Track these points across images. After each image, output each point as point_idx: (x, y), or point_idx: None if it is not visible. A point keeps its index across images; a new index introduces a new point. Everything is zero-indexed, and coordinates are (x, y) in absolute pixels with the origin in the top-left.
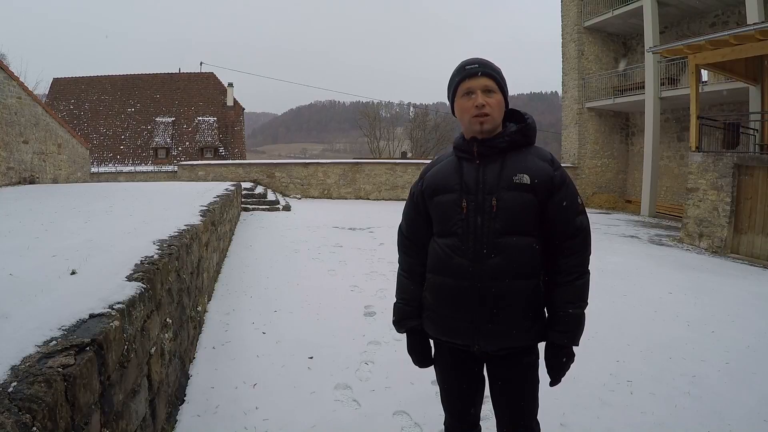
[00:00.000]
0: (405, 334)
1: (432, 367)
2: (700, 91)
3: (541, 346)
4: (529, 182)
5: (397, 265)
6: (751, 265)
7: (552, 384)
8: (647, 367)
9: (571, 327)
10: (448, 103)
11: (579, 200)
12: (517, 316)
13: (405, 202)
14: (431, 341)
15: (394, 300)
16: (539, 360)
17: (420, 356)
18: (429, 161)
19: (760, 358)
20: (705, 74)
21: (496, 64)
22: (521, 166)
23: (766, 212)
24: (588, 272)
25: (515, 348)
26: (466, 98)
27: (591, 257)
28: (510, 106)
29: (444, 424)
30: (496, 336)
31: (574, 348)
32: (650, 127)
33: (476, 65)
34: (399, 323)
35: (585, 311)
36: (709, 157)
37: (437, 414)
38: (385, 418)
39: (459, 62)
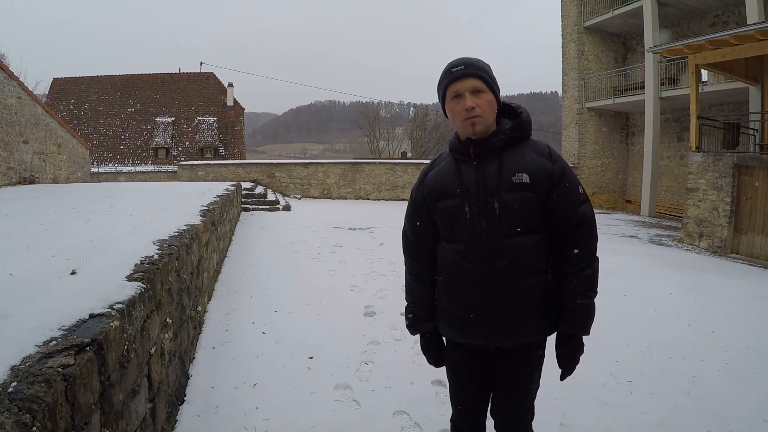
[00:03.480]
0: (418, 336)
1: (431, 368)
2: (700, 91)
3: (551, 339)
4: (528, 181)
5: (397, 264)
6: (751, 265)
7: (563, 377)
8: (647, 367)
9: (581, 317)
10: (440, 105)
11: (581, 190)
12: (530, 313)
13: (406, 203)
14: (444, 339)
15: (406, 304)
16: (545, 353)
17: (435, 357)
18: (429, 161)
19: (760, 358)
20: (705, 74)
21: (485, 61)
22: (519, 165)
23: (766, 212)
24: (596, 260)
25: (529, 343)
26: (456, 101)
27: None
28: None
29: (450, 420)
30: (512, 334)
31: (584, 338)
32: (650, 127)
33: (461, 66)
34: (413, 327)
35: (595, 300)
36: (709, 157)
37: (437, 414)
38: (385, 418)
39: (446, 64)
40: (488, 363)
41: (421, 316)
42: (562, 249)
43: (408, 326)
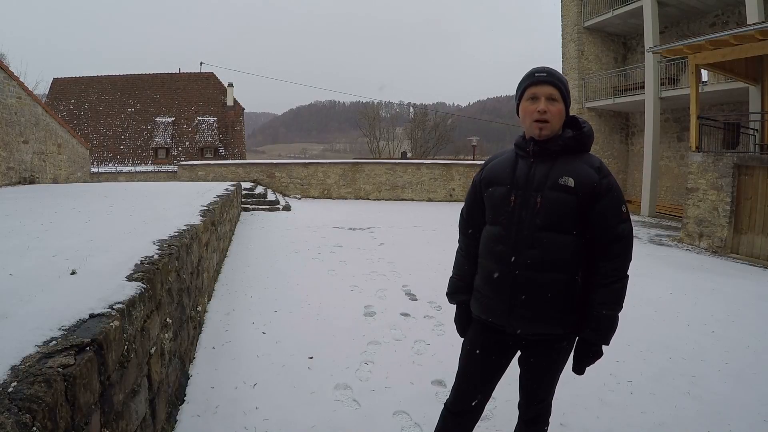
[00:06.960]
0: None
1: (431, 368)
2: (700, 91)
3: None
4: (572, 185)
5: (397, 264)
6: (751, 265)
7: (577, 372)
8: (647, 367)
9: (603, 327)
10: (515, 102)
11: (623, 208)
12: (547, 306)
13: (406, 203)
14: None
15: (451, 275)
16: (570, 349)
17: (461, 328)
18: (430, 161)
19: (760, 358)
20: (705, 74)
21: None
22: (568, 170)
23: (766, 212)
24: (626, 276)
25: (547, 335)
26: (531, 102)
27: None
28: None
29: (444, 403)
30: (527, 321)
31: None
32: (650, 127)
33: (544, 74)
34: (451, 296)
35: (619, 314)
36: (709, 157)
37: (437, 414)
38: (385, 418)
39: (529, 69)
40: (505, 359)
41: (458, 288)
42: (597, 260)
43: (447, 294)
